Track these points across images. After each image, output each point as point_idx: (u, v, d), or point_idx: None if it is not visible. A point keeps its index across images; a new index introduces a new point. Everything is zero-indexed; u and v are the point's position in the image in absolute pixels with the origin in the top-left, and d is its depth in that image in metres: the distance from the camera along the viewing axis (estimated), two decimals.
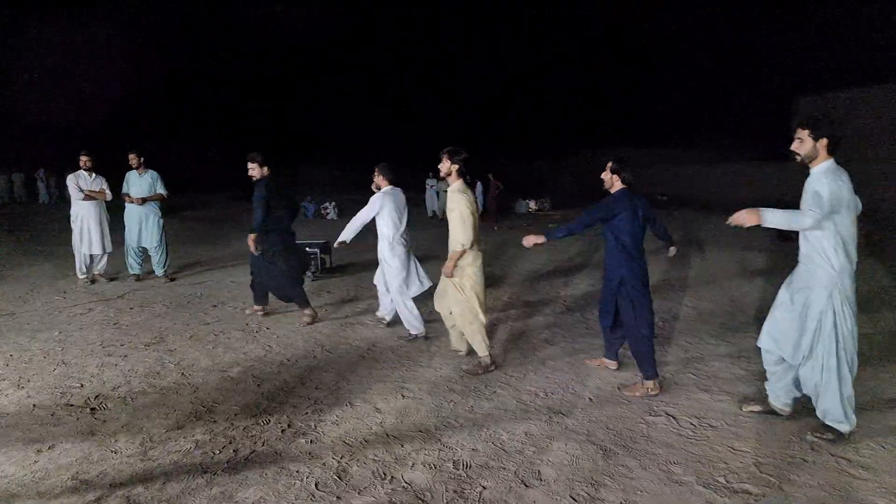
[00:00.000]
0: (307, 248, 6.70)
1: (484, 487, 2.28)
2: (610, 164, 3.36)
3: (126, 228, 6.29)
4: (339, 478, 2.37)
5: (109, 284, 6.29)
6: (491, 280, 6.43)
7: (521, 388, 3.32)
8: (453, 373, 3.57)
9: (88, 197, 6.13)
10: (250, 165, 4.65)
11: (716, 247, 8.61)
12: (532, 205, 16.50)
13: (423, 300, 4.42)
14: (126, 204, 6.24)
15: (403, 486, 2.30)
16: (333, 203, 15.36)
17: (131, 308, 5.30)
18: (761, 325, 2.83)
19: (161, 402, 3.16)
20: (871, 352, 3.76)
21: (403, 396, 3.22)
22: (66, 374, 3.62)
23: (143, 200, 6.17)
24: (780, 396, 2.79)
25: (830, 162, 2.56)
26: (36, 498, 2.25)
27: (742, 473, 2.35)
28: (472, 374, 3.54)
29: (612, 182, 3.35)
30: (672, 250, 3.63)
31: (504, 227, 11.95)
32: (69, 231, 6.32)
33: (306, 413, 3.00)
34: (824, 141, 2.53)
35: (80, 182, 6.13)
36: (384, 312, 4.62)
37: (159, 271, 6.47)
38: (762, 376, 2.95)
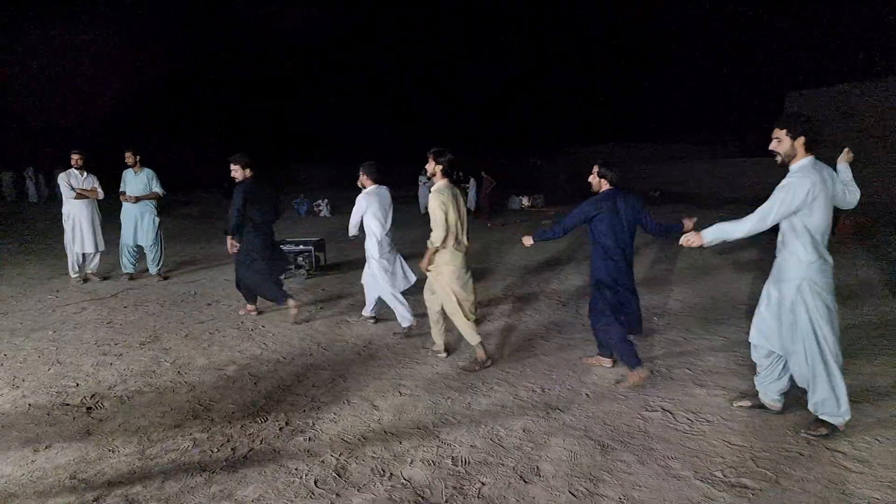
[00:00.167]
0: (302, 246, 6.68)
1: (483, 484, 2.29)
2: (596, 169, 3.41)
3: (122, 227, 6.24)
4: (338, 475, 2.37)
5: (102, 283, 6.24)
6: (484, 275, 6.45)
7: (518, 384, 3.33)
8: (450, 369, 3.58)
9: (80, 195, 6.07)
10: (232, 167, 4.64)
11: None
12: (525, 201, 16.53)
13: (413, 293, 4.44)
14: (123, 202, 6.20)
15: (402, 483, 2.30)
16: (326, 200, 15.31)
17: (125, 307, 5.26)
18: (752, 318, 2.87)
19: (157, 401, 3.14)
20: (861, 344, 3.81)
21: (401, 393, 3.22)
22: (62, 373, 3.59)
23: (137, 199, 6.13)
24: (769, 392, 2.82)
25: (808, 159, 2.61)
26: (34, 498, 2.23)
27: (739, 468, 2.37)
28: (468, 371, 3.56)
29: (600, 185, 3.40)
30: (687, 224, 3.34)
31: (497, 224, 11.97)
32: (60, 230, 6.26)
33: (304, 411, 2.99)
34: (802, 139, 2.58)
35: (72, 180, 6.07)
36: (369, 311, 4.64)
37: (153, 269, 6.42)
38: (755, 370, 2.98)
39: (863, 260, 6.99)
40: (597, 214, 3.28)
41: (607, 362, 3.56)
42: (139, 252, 6.43)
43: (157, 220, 6.30)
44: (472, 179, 14.66)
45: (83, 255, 6.26)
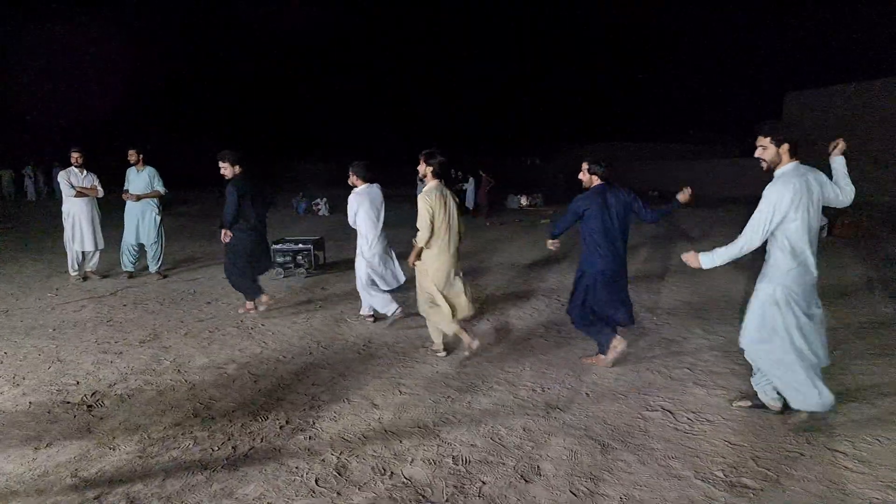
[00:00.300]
0: (301, 245, 6.68)
1: (484, 483, 2.29)
2: (586, 166, 3.46)
3: (125, 225, 6.25)
4: (338, 474, 2.37)
5: (102, 281, 6.23)
6: (482, 274, 6.45)
7: (518, 383, 3.33)
8: (450, 369, 3.58)
9: (80, 193, 6.07)
10: (221, 164, 4.66)
11: (706, 239, 8.69)
12: (523, 200, 16.53)
13: (406, 290, 4.51)
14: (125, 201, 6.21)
15: (403, 482, 2.30)
16: (325, 199, 15.29)
17: (124, 305, 5.25)
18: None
19: (158, 400, 3.14)
20: (860, 344, 3.82)
21: (401, 392, 3.22)
22: (62, 371, 3.58)
23: (139, 197, 6.13)
24: (767, 391, 2.83)
25: (792, 165, 2.65)
26: (35, 495, 2.23)
27: (740, 468, 2.38)
28: (467, 360, 3.71)
29: (591, 181, 3.44)
30: (682, 197, 3.38)
31: (496, 224, 11.96)
32: (60, 228, 6.25)
33: (304, 409, 2.99)
34: (786, 146, 2.65)
35: (72, 178, 6.06)
36: (367, 310, 4.66)
37: (153, 268, 6.42)
38: (751, 371, 2.98)
39: (861, 260, 7.00)
40: (587, 210, 3.32)
41: (606, 361, 3.56)
42: (140, 250, 6.43)
43: (159, 218, 6.30)
44: (470, 178, 14.67)
45: (83, 253, 6.25)
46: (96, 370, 3.59)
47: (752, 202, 2.73)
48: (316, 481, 2.31)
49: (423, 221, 3.51)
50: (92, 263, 6.37)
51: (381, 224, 4.39)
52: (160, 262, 6.47)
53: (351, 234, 4.48)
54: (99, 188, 6.22)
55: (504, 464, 2.43)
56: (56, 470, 2.41)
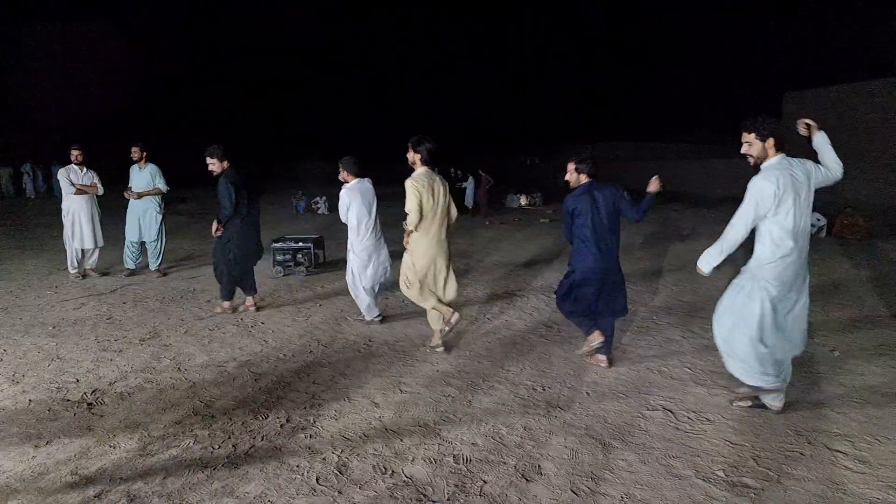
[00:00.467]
0: (301, 243, 6.68)
1: (485, 482, 2.29)
2: (573, 165, 3.47)
3: (126, 222, 6.24)
4: (339, 472, 2.37)
5: (101, 279, 6.22)
6: (482, 273, 6.45)
7: (519, 382, 3.33)
8: (450, 367, 3.58)
9: (80, 191, 6.06)
10: (209, 160, 4.62)
11: (705, 238, 8.67)
12: (523, 200, 16.51)
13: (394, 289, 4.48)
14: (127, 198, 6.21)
15: (404, 481, 2.30)
16: (324, 198, 15.27)
17: (124, 303, 5.25)
18: None
19: (158, 398, 3.14)
20: (861, 344, 3.83)
21: (401, 391, 3.22)
22: (62, 369, 3.58)
23: (140, 195, 6.12)
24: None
25: (777, 158, 2.67)
26: (35, 493, 2.23)
27: (741, 467, 2.38)
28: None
29: (579, 180, 3.46)
30: (653, 185, 3.45)
31: (496, 223, 11.96)
32: (59, 225, 6.24)
33: (305, 408, 2.99)
34: (771, 140, 2.66)
35: (72, 176, 6.06)
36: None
37: (153, 265, 6.41)
38: None
39: (860, 260, 7.01)
40: (576, 208, 3.36)
41: (604, 361, 3.57)
42: (141, 248, 6.42)
43: (160, 216, 6.29)
44: (469, 177, 14.66)
45: (82, 250, 6.24)
46: (96, 368, 3.59)
47: None
48: (317, 480, 2.31)
49: (411, 205, 3.57)
50: (91, 261, 6.36)
51: (373, 218, 4.40)
52: (160, 260, 6.46)
53: (366, 230, 4.45)
54: (99, 186, 6.21)
55: (505, 463, 2.43)
56: (56, 468, 2.41)
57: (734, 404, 2.95)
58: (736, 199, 2.72)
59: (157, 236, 6.30)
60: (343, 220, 4.42)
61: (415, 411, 2.96)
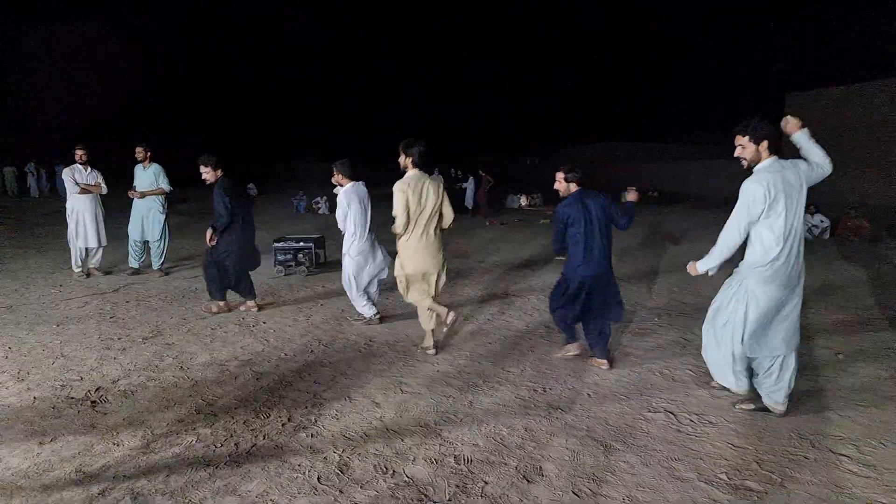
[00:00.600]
0: (302, 243, 6.70)
1: (486, 483, 2.29)
2: (562, 175, 3.50)
3: (130, 222, 6.27)
4: (340, 472, 2.37)
5: (105, 278, 6.25)
6: (482, 274, 6.45)
7: (520, 383, 3.33)
8: (451, 368, 3.59)
9: (84, 191, 6.09)
10: (203, 169, 4.60)
11: (706, 240, 8.64)
12: (523, 200, 16.49)
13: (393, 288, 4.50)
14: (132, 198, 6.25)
15: (405, 481, 2.30)
16: (325, 198, 15.30)
17: (127, 302, 5.27)
18: None
19: (161, 396, 3.15)
20: (864, 346, 3.81)
21: (402, 391, 3.22)
22: (66, 366, 3.60)
23: (143, 194, 6.15)
24: (771, 394, 2.83)
25: (770, 160, 2.68)
26: (40, 490, 2.24)
27: (744, 470, 2.37)
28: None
29: (569, 189, 3.50)
30: (631, 194, 3.65)
31: (496, 223, 11.96)
32: (63, 224, 6.28)
33: (306, 407, 3.00)
34: (765, 143, 2.67)
35: (76, 175, 6.09)
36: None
37: (156, 265, 6.44)
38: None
39: (864, 262, 6.98)
40: (570, 216, 3.38)
41: (604, 364, 3.56)
42: (145, 247, 6.45)
43: (163, 215, 6.32)
44: (470, 178, 14.67)
45: (86, 249, 6.28)
46: (100, 366, 3.60)
47: None
48: (318, 479, 2.32)
49: (398, 208, 3.61)
50: (95, 260, 6.40)
51: (369, 221, 4.41)
52: (163, 259, 6.49)
53: (364, 231, 4.46)
54: (102, 185, 6.25)
55: (506, 464, 2.43)
56: (61, 465, 2.42)
57: (737, 407, 2.94)
58: (737, 200, 2.72)
59: (161, 236, 6.33)
60: (340, 225, 4.38)
61: (416, 411, 2.96)
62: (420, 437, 2.68)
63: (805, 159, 2.75)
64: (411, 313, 4.68)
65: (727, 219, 2.76)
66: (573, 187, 3.47)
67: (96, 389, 3.23)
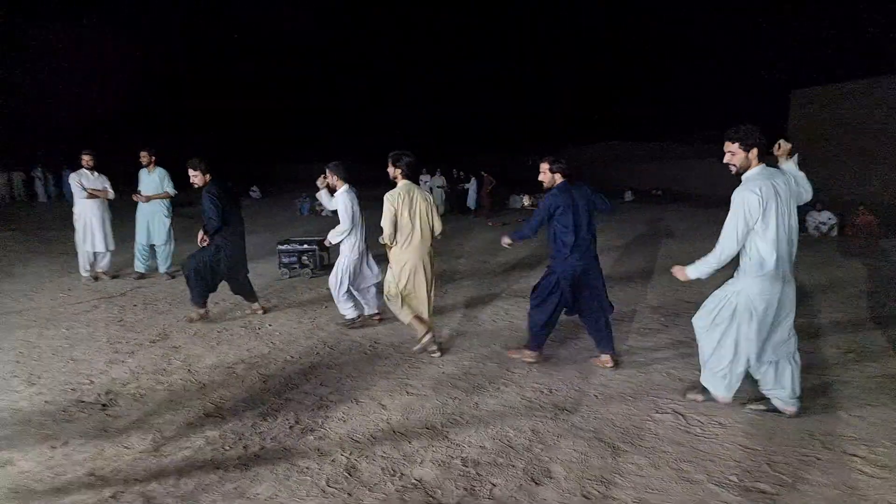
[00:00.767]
0: (306, 245, 6.73)
1: (494, 485, 2.29)
2: (548, 165, 3.48)
3: (136, 226, 6.32)
4: (348, 474, 2.38)
5: (112, 282, 6.30)
6: (484, 274, 6.45)
7: (526, 385, 3.33)
8: (456, 369, 3.59)
9: (91, 195, 6.14)
10: (192, 173, 4.55)
11: (708, 239, 8.59)
12: (526, 200, 16.44)
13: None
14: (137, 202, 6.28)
15: (413, 484, 2.31)
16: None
17: (135, 305, 5.31)
18: None
19: (170, 399, 3.17)
20: (876, 344, 3.77)
21: (408, 393, 3.23)
22: (76, 370, 3.63)
23: (148, 198, 6.20)
24: (780, 395, 2.81)
25: (758, 168, 2.68)
26: (53, 494, 2.26)
27: (755, 472, 2.36)
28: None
29: (554, 180, 3.48)
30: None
31: (499, 224, 11.95)
32: (70, 229, 6.33)
33: (313, 410, 3.01)
34: (755, 151, 2.67)
35: (84, 181, 6.14)
36: (371, 310, 4.66)
37: (162, 268, 6.49)
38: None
39: (873, 259, 6.91)
40: (558, 208, 3.35)
41: (608, 362, 3.55)
42: (151, 251, 6.50)
43: (169, 219, 6.36)
44: (472, 178, 14.66)
45: (94, 254, 6.33)
46: (109, 369, 3.63)
47: None
48: (326, 482, 2.32)
49: (386, 219, 3.66)
50: (103, 264, 6.45)
51: (361, 224, 4.45)
52: (170, 263, 6.53)
53: (361, 234, 4.48)
54: (109, 190, 6.30)
55: (514, 466, 2.43)
56: (73, 469, 2.44)
57: (747, 408, 2.92)
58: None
59: (166, 239, 6.38)
60: (347, 225, 4.34)
61: (422, 413, 2.96)
62: (427, 439, 2.68)
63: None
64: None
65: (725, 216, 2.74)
66: (558, 178, 3.46)
67: (106, 393, 3.26)
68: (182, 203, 15.23)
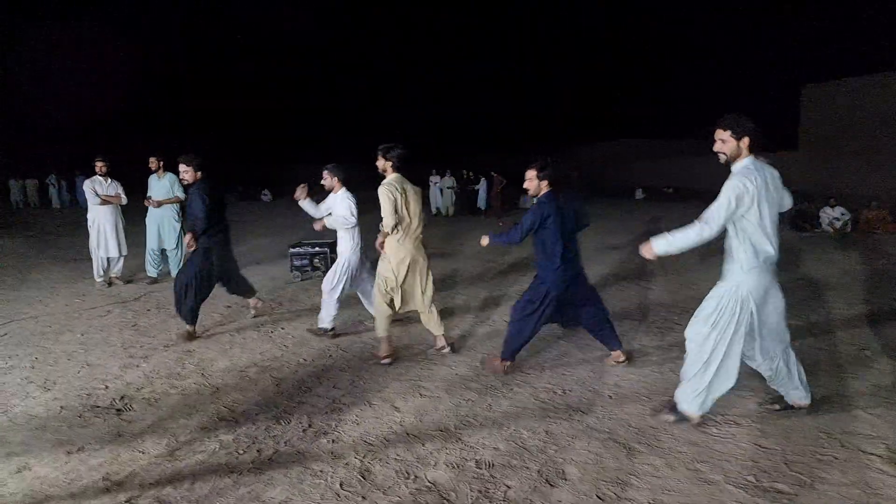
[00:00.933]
0: (318, 248, 6.75)
1: (508, 487, 2.28)
2: (535, 172, 3.36)
3: (147, 231, 6.40)
4: (362, 477, 2.38)
5: (126, 287, 6.38)
6: (494, 275, 6.42)
7: (539, 385, 3.31)
8: (469, 371, 3.58)
9: (105, 201, 6.23)
10: (183, 168, 4.44)
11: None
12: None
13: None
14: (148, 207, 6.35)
15: (427, 486, 2.30)
16: None
17: (148, 310, 5.36)
18: None
19: (184, 403, 3.20)
20: (890, 340, 3.70)
21: (421, 395, 3.22)
22: (91, 375, 3.67)
23: (159, 203, 6.28)
24: (790, 392, 2.77)
25: (748, 160, 2.61)
26: (69, 499, 2.28)
27: (772, 472, 2.32)
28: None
29: (540, 188, 3.38)
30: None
31: (508, 224, 11.91)
32: (84, 235, 6.42)
33: (326, 412, 3.02)
34: (746, 140, 2.59)
35: (97, 187, 6.23)
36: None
37: (174, 272, 6.55)
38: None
39: (885, 255, 6.79)
40: (549, 216, 3.25)
41: (620, 357, 3.51)
42: (163, 256, 6.57)
43: (179, 224, 6.44)
44: (482, 179, 14.65)
45: (108, 259, 6.41)
46: (123, 374, 3.67)
47: None
48: (340, 485, 2.32)
49: (386, 209, 3.58)
50: (116, 269, 6.53)
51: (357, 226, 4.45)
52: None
53: (361, 236, 4.49)
54: (122, 196, 6.39)
55: (528, 468, 2.41)
56: (88, 474, 2.46)
57: (762, 408, 2.88)
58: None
59: (177, 244, 6.46)
60: (350, 222, 4.32)
61: (435, 415, 2.96)
62: (440, 441, 2.67)
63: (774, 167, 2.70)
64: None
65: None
66: (545, 186, 3.35)
67: (121, 398, 3.29)
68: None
